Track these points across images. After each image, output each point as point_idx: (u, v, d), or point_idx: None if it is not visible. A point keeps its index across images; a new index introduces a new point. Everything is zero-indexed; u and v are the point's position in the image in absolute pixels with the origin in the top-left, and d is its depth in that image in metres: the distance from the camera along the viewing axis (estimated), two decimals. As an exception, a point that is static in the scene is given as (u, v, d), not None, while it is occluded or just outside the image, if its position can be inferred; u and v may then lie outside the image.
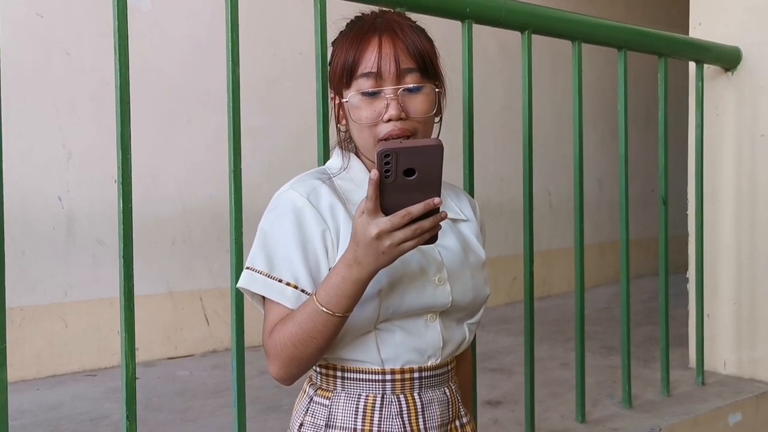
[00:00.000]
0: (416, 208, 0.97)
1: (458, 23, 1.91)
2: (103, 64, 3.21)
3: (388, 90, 1.11)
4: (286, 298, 1.10)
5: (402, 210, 0.97)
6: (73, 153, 3.21)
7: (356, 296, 1.03)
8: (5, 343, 1.22)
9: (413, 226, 0.97)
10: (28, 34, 3.09)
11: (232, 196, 1.51)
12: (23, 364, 3.05)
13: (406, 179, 0.97)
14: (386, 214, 0.98)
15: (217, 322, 3.61)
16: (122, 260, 1.36)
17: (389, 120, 1.10)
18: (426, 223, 0.98)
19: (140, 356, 3.28)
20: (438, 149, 0.97)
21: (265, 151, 3.64)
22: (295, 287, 1.09)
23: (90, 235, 3.24)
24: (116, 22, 1.36)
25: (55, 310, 3.16)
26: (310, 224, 1.11)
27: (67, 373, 3.16)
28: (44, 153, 3.14)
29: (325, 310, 1.03)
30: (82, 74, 3.23)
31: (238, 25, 1.51)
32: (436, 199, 0.97)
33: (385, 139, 1.10)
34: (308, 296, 1.07)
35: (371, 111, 1.12)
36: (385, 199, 0.98)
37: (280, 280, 1.10)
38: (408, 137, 1.11)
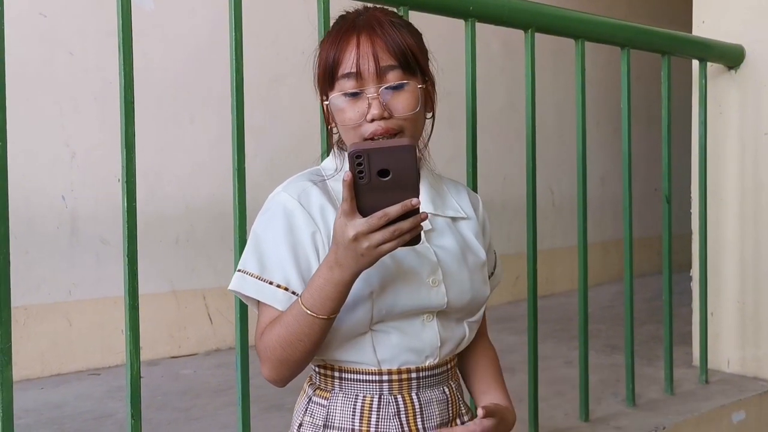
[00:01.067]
0: (393, 210, 0.95)
1: (461, 22, 1.91)
2: (107, 63, 3.21)
3: (369, 89, 1.09)
4: (277, 300, 1.09)
5: (379, 211, 0.95)
6: (76, 152, 3.22)
7: (340, 299, 1.02)
8: (10, 341, 1.23)
9: (391, 228, 0.96)
10: (32, 33, 3.10)
11: (236, 194, 1.51)
12: (27, 363, 3.05)
13: (381, 180, 0.95)
14: (364, 216, 0.96)
15: (221, 320, 3.61)
16: (127, 259, 1.36)
17: (373, 120, 1.09)
18: (405, 225, 0.96)
19: (144, 355, 3.27)
20: (409, 149, 0.96)
21: (268, 150, 3.65)
22: (286, 289, 1.09)
23: (94, 234, 3.24)
24: (120, 22, 1.36)
25: (59, 309, 3.16)
26: (300, 226, 1.10)
27: (71, 372, 3.17)
28: (48, 152, 3.15)
29: (309, 312, 1.02)
30: (85, 74, 3.23)
31: (241, 23, 1.51)
32: (414, 200, 0.96)
33: (371, 139, 1.09)
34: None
35: (354, 112, 1.10)
36: (362, 200, 0.96)
37: (271, 283, 1.10)
38: (394, 136, 1.10)
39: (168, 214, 3.46)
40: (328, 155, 1.24)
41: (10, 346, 1.23)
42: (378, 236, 0.96)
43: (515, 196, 4.62)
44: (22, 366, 3.00)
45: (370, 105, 1.09)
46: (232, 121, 1.50)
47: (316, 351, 1.09)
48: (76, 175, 3.21)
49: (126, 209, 1.36)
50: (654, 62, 2.73)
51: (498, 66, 4.87)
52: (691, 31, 2.98)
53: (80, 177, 3.22)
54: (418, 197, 0.96)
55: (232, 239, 1.51)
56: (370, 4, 1.29)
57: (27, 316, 3.07)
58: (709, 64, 2.79)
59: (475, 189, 1.83)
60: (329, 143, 1.23)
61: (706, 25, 2.94)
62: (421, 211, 0.99)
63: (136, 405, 1.37)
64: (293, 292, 1.09)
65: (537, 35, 2.07)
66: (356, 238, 0.96)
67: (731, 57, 2.84)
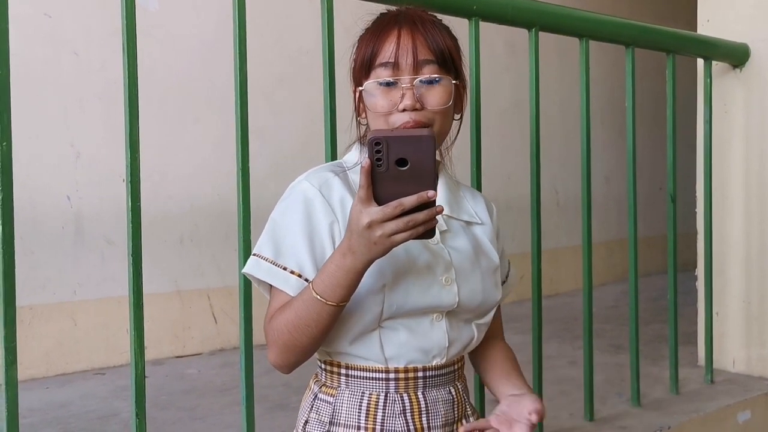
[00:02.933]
0: (409, 200, 0.95)
1: (465, 21, 1.90)
2: (112, 63, 3.22)
3: (404, 79, 1.11)
4: (289, 286, 1.10)
5: (394, 201, 0.96)
6: (81, 152, 3.22)
7: (351, 286, 1.02)
8: (15, 341, 1.23)
9: (405, 218, 0.96)
10: (37, 34, 3.11)
11: (240, 194, 1.51)
12: (33, 362, 3.06)
13: (399, 169, 0.96)
14: (380, 204, 0.96)
15: (225, 320, 3.62)
16: (131, 258, 1.36)
17: (404, 110, 1.10)
18: (419, 216, 0.96)
19: (148, 354, 3.28)
20: (429, 140, 0.96)
21: (272, 150, 3.65)
22: (299, 276, 1.09)
23: (98, 233, 3.25)
24: (124, 22, 1.36)
25: (64, 308, 3.17)
26: (319, 215, 1.11)
27: (76, 372, 3.17)
28: (53, 152, 3.15)
29: (319, 298, 1.02)
30: (90, 74, 3.24)
31: (245, 23, 1.51)
32: (430, 192, 0.96)
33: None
34: None
35: (387, 100, 1.12)
36: (378, 188, 0.96)
37: (285, 268, 1.10)
38: (423, 127, 1.10)
39: (172, 213, 3.46)
40: (352, 148, 1.24)
41: (15, 345, 1.23)
42: (392, 225, 0.96)
43: (519, 195, 4.61)
44: (27, 365, 3.01)
45: (403, 95, 1.11)
46: (236, 120, 1.51)
47: (323, 339, 1.09)
48: (81, 175, 3.22)
49: (130, 209, 1.36)
50: (659, 61, 2.72)
51: (502, 65, 4.87)
52: (695, 30, 2.97)
53: (85, 177, 3.23)
54: (435, 190, 0.96)
55: (237, 239, 1.51)
56: (399, 7, 1.29)
57: (32, 316, 3.07)
58: (714, 62, 2.78)
59: (479, 188, 1.83)
60: (358, 136, 1.23)
61: (710, 23, 2.93)
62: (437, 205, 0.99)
63: (141, 404, 1.37)
64: (306, 279, 1.09)
65: (541, 34, 2.07)
66: (370, 225, 0.96)
67: (736, 55, 2.83)
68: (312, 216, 1.11)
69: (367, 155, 0.95)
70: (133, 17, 1.37)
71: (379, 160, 0.95)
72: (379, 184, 0.96)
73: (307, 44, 3.73)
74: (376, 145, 0.95)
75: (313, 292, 1.03)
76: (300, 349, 1.08)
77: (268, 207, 1.20)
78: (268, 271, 1.11)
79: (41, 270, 3.10)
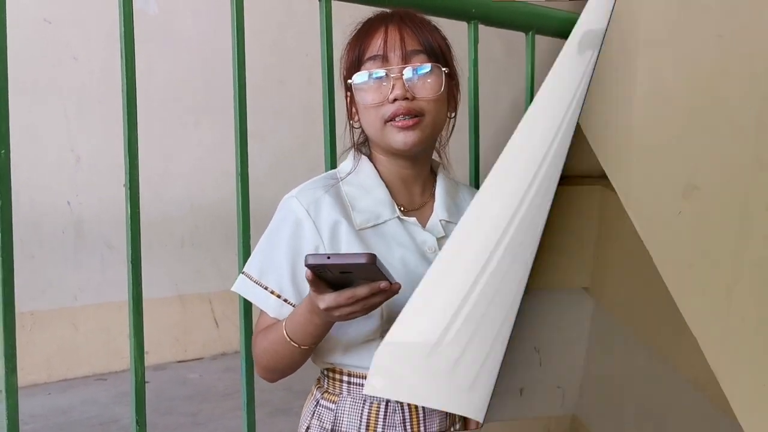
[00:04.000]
0: (361, 291, 0.96)
1: (464, 24, 1.90)
2: (111, 68, 3.22)
3: (393, 70, 1.10)
4: (269, 306, 1.12)
5: (347, 291, 0.96)
6: (81, 157, 3.23)
7: (321, 334, 1.06)
8: (15, 348, 1.23)
9: (360, 303, 0.97)
10: (37, 39, 3.11)
11: (239, 199, 1.50)
12: (34, 368, 3.06)
13: (346, 273, 0.95)
14: (335, 288, 0.98)
15: (227, 324, 3.61)
16: (130, 265, 1.35)
17: (395, 100, 1.09)
18: (375, 300, 0.98)
19: (150, 359, 3.28)
20: (369, 266, 0.92)
21: (272, 152, 3.65)
22: (279, 296, 1.11)
23: (98, 238, 3.25)
24: (122, 26, 1.36)
25: (65, 314, 3.17)
26: (305, 237, 1.11)
27: (77, 377, 3.17)
28: (53, 157, 3.15)
29: (290, 341, 1.06)
30: (90, 78, 3.24)
31: (243, 26, 1.51)
32: (383, 284, 0.96)
33: (391, 119, 1.10)
34: (291, 306, 1.09)
35: (377, 93, 1.11)
36: (331, 280, 0.97)
37: (266, 288, 1.12)
38: (415, 117, 1.10)
39: (173, 216, 3.46)
40: (347, 156, 1.24)
41: (15, 352, 1.22)
42: (347, 309, 0.98)
43: (520, 197, 4.61)
44: (28, 371, 3.01)
45: (393, 86, 1.10)
46: (235, 124, 1.50)
47: (303, 363, 1.13)
48: (81, 179, 3.22)
49: (129, 215, 1.35)
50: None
51: (501, 68, 4.87)
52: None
53: (85, 181, 3.23)
54: (387, 280, 0.97)
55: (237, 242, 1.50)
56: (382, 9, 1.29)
57: (33, 322, 3.07)
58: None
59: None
60: (352, 143, 1.22)
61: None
62: (438, 216, 1.02)
63: (141, 411, 1.36)
64: (285, 300, 1.11)
65: (538, 37, 2.07)
66: (327, 309, 0.98)
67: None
68: (298, 237, 1.11)
69: (312, 260, 0.93)
70: (131, 21, 1.37)
71: (321, 275, 0.95)
72: (329, 278, 0.97)
73: (307, 47, 3.73)
74: (314, 268, 0.93)
75: (285, 334, 1.06)
76: (281, 370, 1.13)
77: (268, 209, 1.20)
78: (251, 289, 1.13)
79: (42, 275, 3.10)
